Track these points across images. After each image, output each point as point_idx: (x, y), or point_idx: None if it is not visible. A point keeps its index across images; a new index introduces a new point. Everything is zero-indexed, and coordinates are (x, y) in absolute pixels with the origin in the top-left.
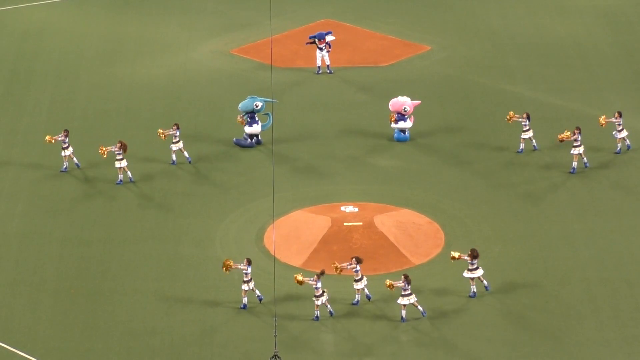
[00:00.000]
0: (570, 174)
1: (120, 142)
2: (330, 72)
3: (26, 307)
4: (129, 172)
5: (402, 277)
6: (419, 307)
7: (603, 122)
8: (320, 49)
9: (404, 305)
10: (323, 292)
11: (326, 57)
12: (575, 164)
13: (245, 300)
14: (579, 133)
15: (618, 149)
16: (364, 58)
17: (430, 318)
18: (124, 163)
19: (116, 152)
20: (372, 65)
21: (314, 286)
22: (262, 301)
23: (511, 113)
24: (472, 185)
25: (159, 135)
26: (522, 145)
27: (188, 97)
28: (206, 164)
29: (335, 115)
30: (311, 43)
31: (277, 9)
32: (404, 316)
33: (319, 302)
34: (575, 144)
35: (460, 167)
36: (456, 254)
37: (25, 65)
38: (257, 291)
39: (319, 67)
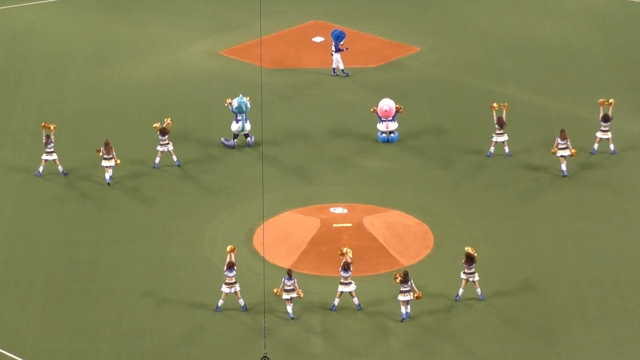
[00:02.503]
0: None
1: (106, 141)
2: (335, 75)
3: (15, 308)
4: (107, 174)
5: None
6: (406, 307)
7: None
8: (340, 50)
9: (402, 302)
10: (293, 289)
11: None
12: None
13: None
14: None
15: (611, 150)
16: (354, 59)
17: (420, 319)
18: (111, 162)
19: (103, 154)
20: (361, 66)
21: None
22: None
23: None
24: (461, 187)
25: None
26: (492, 149)
27: (177, 98)
28: (195, 165)
29: (324, 117)
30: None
31: (266, 10)
32: (403, 313)
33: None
34: (561, 147)
35: (449, 168)
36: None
37: (14, 66)
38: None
39: (334, 68)
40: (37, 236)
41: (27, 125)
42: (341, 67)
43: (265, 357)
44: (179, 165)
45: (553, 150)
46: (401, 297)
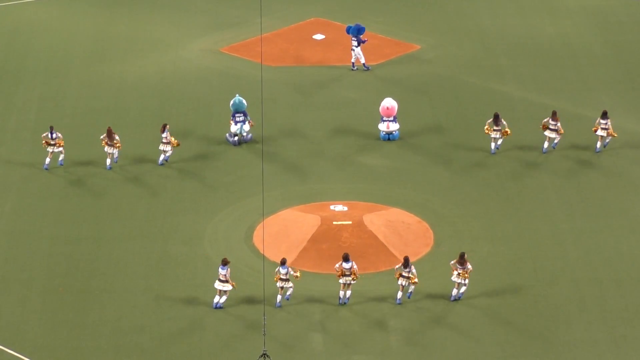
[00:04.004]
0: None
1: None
2: (355, 69)
3: (15, 305)
4: (107, 160)
5: (403, 259)
6: (411, 287)
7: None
8: (360, 42)
9: (402, 285)
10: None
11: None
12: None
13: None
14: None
15: (603, 146)
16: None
17: (419, 317)
18: (113, 150)
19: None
20: (361, 64)
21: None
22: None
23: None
24: (461, 185)
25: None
26: (493, 145)
27: (178, 96)
28: (195, 162)
29: (324, 114)
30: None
31: (267, 8)
32: (398, 297)
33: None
34: (552, 127)
35: (449, 166)
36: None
37: (14, 62)
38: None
39: (353, 63)
40: (37, 233)
41: (27, 122)
42: (362, 60)
43: (264, 354)
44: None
45: (543, 126)
46: (401, 282)
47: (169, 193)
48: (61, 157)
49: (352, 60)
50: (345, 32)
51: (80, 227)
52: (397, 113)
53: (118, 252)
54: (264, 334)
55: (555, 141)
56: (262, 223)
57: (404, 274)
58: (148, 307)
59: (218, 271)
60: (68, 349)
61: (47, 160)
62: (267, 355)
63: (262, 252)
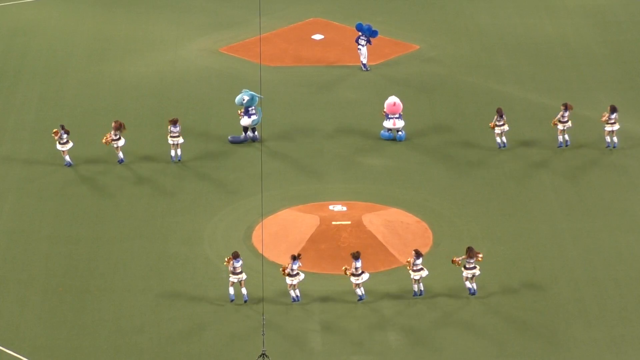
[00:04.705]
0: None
1: (115, 121)
2: (367, 70)
3: (14, 305)
4: (120, 154)
5: (413, 252)
6: (420, 285)
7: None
8: (367, 43)
9: (415, 279)
10: (298, 273)
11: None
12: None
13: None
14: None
15: (614, 142)
16: (353, 57)
17: (419, 317)
18: (120, 142)
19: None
20: (361, 64)
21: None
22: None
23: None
24: (460, 185)
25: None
26: (498, 140)
27: (177, 96)
28: (195, 162)
29: (323, 114)
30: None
31: (266, 8)
32: (416, 290)
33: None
34: (562, 120)
35: (449, 166)
36: (457, 259)
37: (13, 62)
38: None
39: (364, 64)
40: (36, 233)
41: (26, 121)
42: (364, 61)
43: (263, 354)
44: (179, 161)
45: (554, 122)
46: (415, 276)
47: (168, 193)
48: (67, 156)
49: (364, 60)
50: (356, 29)
51: (79, 227)
52: (401, 112)
53: (117, 252)
54: (263, 334)
55: (567, 137)
56: (261, 223)
57: (415, 268)
58: (147, 307)
59: (232, 265)
60: (67, 349)
61: (68, 157)
62: (266, 355)
63: (261, 252)
